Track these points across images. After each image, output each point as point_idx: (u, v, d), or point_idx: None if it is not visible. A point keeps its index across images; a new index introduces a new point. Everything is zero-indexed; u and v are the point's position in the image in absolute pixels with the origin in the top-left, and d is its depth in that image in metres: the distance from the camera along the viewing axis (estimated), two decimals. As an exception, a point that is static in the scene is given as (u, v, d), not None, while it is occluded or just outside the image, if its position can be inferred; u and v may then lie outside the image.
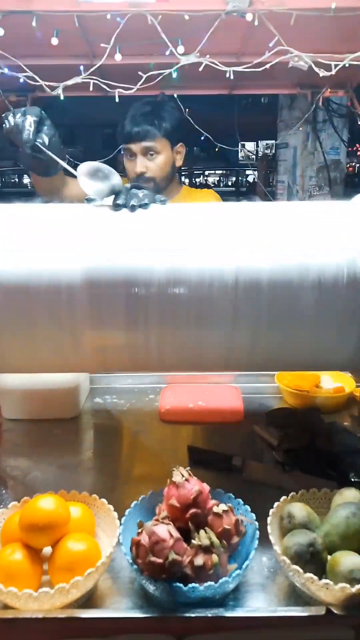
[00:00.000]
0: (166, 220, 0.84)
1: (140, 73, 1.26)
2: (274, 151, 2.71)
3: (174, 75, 1.24)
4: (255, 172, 3.06)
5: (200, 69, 1.25)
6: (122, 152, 1.46)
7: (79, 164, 0.82)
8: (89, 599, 0.67)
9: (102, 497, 0.77)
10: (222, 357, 0.82)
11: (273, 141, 2.37)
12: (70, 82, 1.24)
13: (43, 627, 0.59)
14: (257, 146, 5.52)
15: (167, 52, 1.21)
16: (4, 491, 0.92)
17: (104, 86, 1.24)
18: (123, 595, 0.69)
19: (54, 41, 1.21)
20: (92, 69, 1.23)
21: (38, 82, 1.22)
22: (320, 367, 1.04)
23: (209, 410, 1.22)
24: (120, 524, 0.70)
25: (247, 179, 6.66)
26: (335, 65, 1.22)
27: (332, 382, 1.29)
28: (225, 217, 0.84)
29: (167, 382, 1.36)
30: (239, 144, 2.42)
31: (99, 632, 0.60)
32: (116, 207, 0.84)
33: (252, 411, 1.22)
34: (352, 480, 0.92)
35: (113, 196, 0.85)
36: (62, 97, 1.27)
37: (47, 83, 1.25)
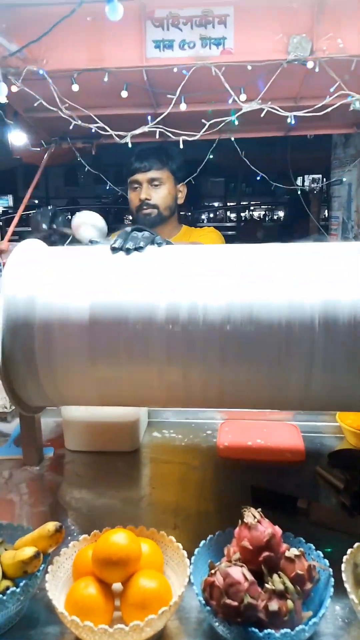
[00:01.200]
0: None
1: (203, 121, 1.32)
2: (324, 187, 2.73)
3: (236, 122, 1.29)
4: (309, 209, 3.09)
5: (262, 115, 1.29)
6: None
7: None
8: (159, 638, 0.67)
9: (168, 535, 0.77)
10: (299, 396, 0.82)
11: (322, 177, 2.38)
12: (137, 131, 1.32)
13: (117, 665, 0.59)
14: (312, 183, 5.54)
15: (230, 100, 1.27)
16: (68, 521, 0.94)
17: (169, 133, 1.31)
18: (192, 636, 0.68)
19: (124, 94, 1.29)
20: (158, 119, 1.31)
21: (108, 132, 1.30)
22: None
23: (268, 449, 1.20)
24: (191, 563, 0.70)
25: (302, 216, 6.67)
26: None
27: None
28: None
29: (223, 418, 1.36)
30: (293, 182, 2.45)
31: (173, 674, 0.59)
32: (113, 250, 0.92)
33: (313, 451, 1.20)
34: None
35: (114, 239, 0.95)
36: (130, 145, 1.35)
37: (116, 133, 1.33)
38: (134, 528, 0.78)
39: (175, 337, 0.83)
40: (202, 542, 0.74)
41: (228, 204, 6.75)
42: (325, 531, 0.89)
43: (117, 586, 0.70)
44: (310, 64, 1.22)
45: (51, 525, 0.70)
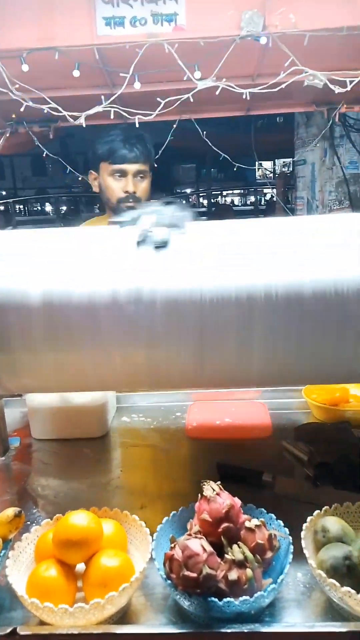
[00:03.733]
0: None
1: (158, 99, 1.30)
2: (291, 169, 2.74)
3: (191, 99, 1.28)
4: (274, 190, 3.09)
5: (217, 92, 1.28)
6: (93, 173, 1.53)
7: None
8: (123, 616, 0.67)
9: (132, 514, 0.78)
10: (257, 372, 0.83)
11: (290, 159, 2.39)
12: (91, 111, 1.29)
13: (78, 644, 0.59)
14: (274, 165, 5.56)
15: (185, 78, 1.25)
16: (35, 510, 0.93)
17: (124, 113, 1.29)
18: (157, 611, 0.68)
19: (76, 73, 1.26)
20: (112, 98, 1.28)
21: (61, 112, 1.27)
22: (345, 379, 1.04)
23: (236, 427, 1.21)
24: (153, 540, 0.70)
25: (265, 197, 6.70)
26: (351, 82, 1.24)
27: (362, 396, 1.27)
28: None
29: (193, 400, 1.37)
30: (257, 163, 2.45)
31: (135, 648, 0.60)
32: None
33: (280, 427, 1.21)
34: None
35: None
36: (84, 126, 1.32)
37: (69, 113, 1.30)
38: (97, 509, 0.78)
39: (136, 318, 0.82)
40: (165, 519, 0.75)
41: (200, 189, 6.73)
42: (290, 503, 0.90)
43: (80, 569, 0.69)
44: (263, 40, 1.21)
45: (10, 511, 0.69)
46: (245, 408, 1.30)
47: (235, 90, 1.28)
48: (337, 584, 0.60)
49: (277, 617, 0.66)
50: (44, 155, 1.63)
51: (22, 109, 1.22)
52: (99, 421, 1.20)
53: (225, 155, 1.85)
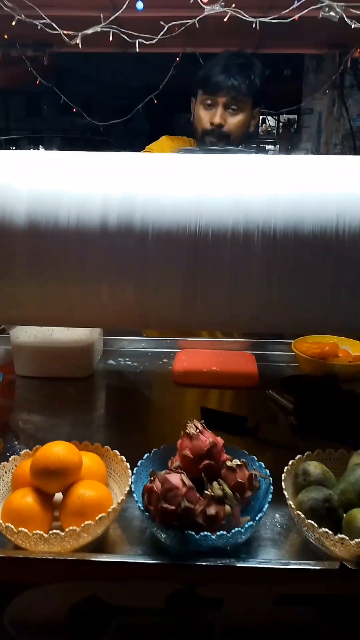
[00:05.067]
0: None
1: (162, 23, 1.20)
2: (297, 119, 2.62)
3: (197, 26, 1.19)
4: (277, 147, 2.98)
5: (226, 19, 1.19)
6: (195, 102, 1.41)
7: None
8: (100, 546, 0.67)
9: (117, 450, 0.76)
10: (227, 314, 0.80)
11: (295, 116, 2.28)
12: (89, 31, 1.20)
13: (53, 569, 0.59)
14: (279, 120, 5.35)
15: (192, 1, 1.15)
16: (15, 442, 0.92)
17: (125, 37, 1.19)
18: (134, 544, 0.68)
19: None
20: (111, 19, 1.19)
21: (56, 30, 1.18)
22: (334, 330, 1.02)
23: (222, 374, 1.20)
24: (133, 474, 0.69)
25: (268, 154, 6.50)
26: (369, 18, 1.16)
27: (351, 351, 1.26)
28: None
29: (182, 348, 1.35)
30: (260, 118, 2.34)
31: (108, 576, 0.60)
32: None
33: (267, 377, 1.20)
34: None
35: None
36: (80, 46, 1.23)
37: (65, 32, 1.20)
38: (78, 443, 0.77)
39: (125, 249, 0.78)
40: (146, 454, 0.74)
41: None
42: (273, 449, 0.90)
43: (58, 500, 0.69)
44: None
45: (-13, 438, 0.67)
46: (233, 357, 1.29)
47: (244, 18, 1.19)
48: (316, 525, 0.60)
49: (254, 555, 0.66)
50: (37, 82, 1.52)
51: (13, 23, 1.12)
52: (84, 362, 1.18)
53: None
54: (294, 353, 1.24)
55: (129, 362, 1.28)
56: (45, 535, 0.59)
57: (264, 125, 5.25)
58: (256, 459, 0.74)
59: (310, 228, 0.75)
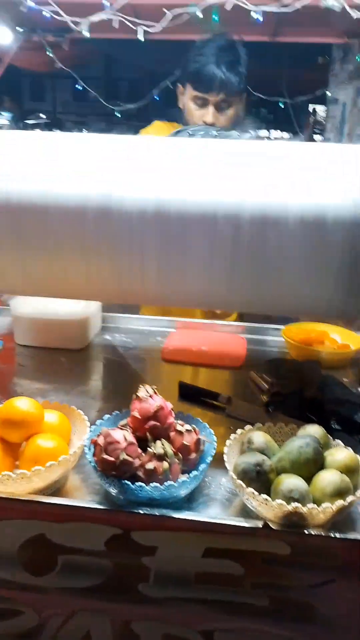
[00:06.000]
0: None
1: (165, 10, 1.24)
2: (324, 108, 2.58)
3: (199, 14, 1.21)
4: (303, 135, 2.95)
5: (229, 9, 1.21)
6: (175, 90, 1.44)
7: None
8: (57, 492, 0.73)
9: (90, 416, 0.82)
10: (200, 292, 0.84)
11: (318, 94, 2.25)
12: (95, 18, 1.24)
13: (5, 507, 0.66)
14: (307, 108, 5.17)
15: (199, -11, 1.19)
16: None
17: (129, 24, 1.24)
18: (91, 493, 0.75)
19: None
20: (117, 6, 1.23)
21: (62, 17, 1.23)
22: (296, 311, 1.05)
23: (209, 353, 1.25)
24: (90, 431, 0.75)
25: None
26: (371, 6, 1.16)
27: (339, 339, 1.28)
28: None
29: (179, 328, 1.40)
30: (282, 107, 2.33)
31: (52, 517, 0.66)
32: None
33: (254, 360, 1.24)
34: (333, 427, 0.92)
35: None
36: (88, 35, 1.27)
37: (71, 18, 1.26)
38: (48, 402, 0.84)
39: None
40: (107, 415, 0.80)
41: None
42: (240, 424, 0.94)
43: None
44: None
45: None
46: (223, 339, 1.33)
47: (248, 7, 1.21)
48: (244, 485, 0.65)
49: (196, 511, 0.71)
50: (57, 67, 1.58)
51: (23, 9, 1.18)
52: (79, 334, 1.25)
53: (248, 87, 1.77)
54: (284, 339, 1.27)
55: (124, 338, 1.35)
56: None
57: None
58: (208, 426, 0.78)
59: (292, 212, 0.78)
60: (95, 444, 0.67)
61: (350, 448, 0.74)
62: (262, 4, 1.32)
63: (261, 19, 1.20)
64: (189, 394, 1.04)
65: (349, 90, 2.18)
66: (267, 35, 1.64)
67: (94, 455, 0.68)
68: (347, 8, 1.15)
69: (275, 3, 1.34)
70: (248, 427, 0.78)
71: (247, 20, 1.35)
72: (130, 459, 0.65)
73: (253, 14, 1.18)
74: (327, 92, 2.26)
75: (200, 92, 1.37)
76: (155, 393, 0.73)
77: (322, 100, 2.50)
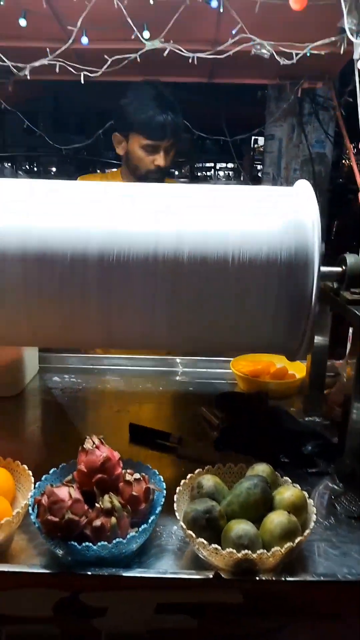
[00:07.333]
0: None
1: (105, 56, 1.27)
2: (262, 144, 2.71)
3: (139, 60, 1.25)
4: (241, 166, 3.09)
5: (165, 54, 1.26)
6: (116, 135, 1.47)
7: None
8: (1, 555, 0.70)
9: (32, 467, 0.79)
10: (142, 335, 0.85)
11: (257, 132, 2.37)
12: (37, 64, 1.26)
13: None
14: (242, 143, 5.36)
15: (133, 37, 1.22)
16: None
17: (71, 69, 1.26)
18: (38, 554, 0.71)
19: (22, 22, 1.22)
20: (57, 52, 1.25)
21: (5, 62, 1.24)
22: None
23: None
24: (35, 488, 0.73)
25: (230, 173, 6.53)
26: (296, 54, 1.23)
27: (287, 370, 1.30)
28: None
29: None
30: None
31: (-3, 585, 0.63)
32: None
33: (204, 394, 1.24)
34: (282, 460, 0.94)
35: None
36: (28, 78, 1.29)
37: (13, 64, 1.26)
38: (-9, 458, 0.80)
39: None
40: (53, 469, 0.77)
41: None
42: (192, 465, 0.93)
43: None
44: (214, 3, 1.19)
45: None
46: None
47: (182, 53, 1.26)
48: (194, 535, 0.64)
49: (145, 565, 0.69)
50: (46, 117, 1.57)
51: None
52: (11, 379, 1.19)
53: (186, 123, 1.82)
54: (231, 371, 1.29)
55: (67, 379, 1.31)
56: None
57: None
58: (157, 472, 0.77)
59: (214, 254, 0.80)
60: (39, 503, 0.65)
61: (297, 485, 0.75)
62: (198, 51, 1.37)
63: (196, 62, 1.25)
64: (140, 436, 1.03)
65: (284, 127, 2.30)
66: (204, 77, 1.71)
67: (37, 516, 0.65)
68: (276, 55, 1.22)
69: (209, 50, 1.40)
70: (198, 470, 0.78)
71: (185, 63, 1.40)
72: (76, 518, 0.63)
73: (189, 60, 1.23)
74: (263, 130, 2.37)
75: (152, 141, 1.43)
76: (102, 443, 0.72)
77: (261, 135, 2.62)
